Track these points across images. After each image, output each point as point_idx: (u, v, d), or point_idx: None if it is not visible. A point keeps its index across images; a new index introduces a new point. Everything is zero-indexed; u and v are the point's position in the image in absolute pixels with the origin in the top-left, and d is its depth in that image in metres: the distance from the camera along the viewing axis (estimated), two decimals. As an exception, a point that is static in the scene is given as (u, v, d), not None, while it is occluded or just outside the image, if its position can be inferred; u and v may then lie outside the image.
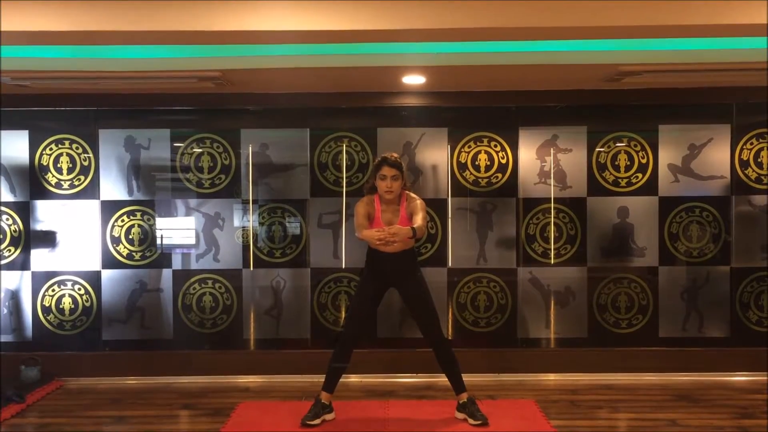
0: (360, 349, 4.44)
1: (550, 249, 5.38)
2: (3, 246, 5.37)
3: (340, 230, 5.37)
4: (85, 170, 5.36)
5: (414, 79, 4.83)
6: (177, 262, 5.41)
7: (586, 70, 4.55)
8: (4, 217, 5.37)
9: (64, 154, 5.35)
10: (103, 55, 4.14)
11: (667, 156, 5.35)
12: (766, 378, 5.19)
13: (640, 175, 5.35)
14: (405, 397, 4.87)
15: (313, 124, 5.37)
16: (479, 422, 4.21)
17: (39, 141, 5.35)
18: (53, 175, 5.35)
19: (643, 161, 5.35)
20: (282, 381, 5.25)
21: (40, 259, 5.38)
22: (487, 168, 5.37)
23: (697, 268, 5.38)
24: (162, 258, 5.40)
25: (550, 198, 5.37)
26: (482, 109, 5.36)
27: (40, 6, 3.53)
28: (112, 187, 5.37)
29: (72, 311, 5.38)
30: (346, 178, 5.36)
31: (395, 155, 4.20)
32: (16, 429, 4.34)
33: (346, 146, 5.36)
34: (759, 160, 5.33)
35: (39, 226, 5.38)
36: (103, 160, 5.35)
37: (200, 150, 5.37)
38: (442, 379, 4.46)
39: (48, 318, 5.38)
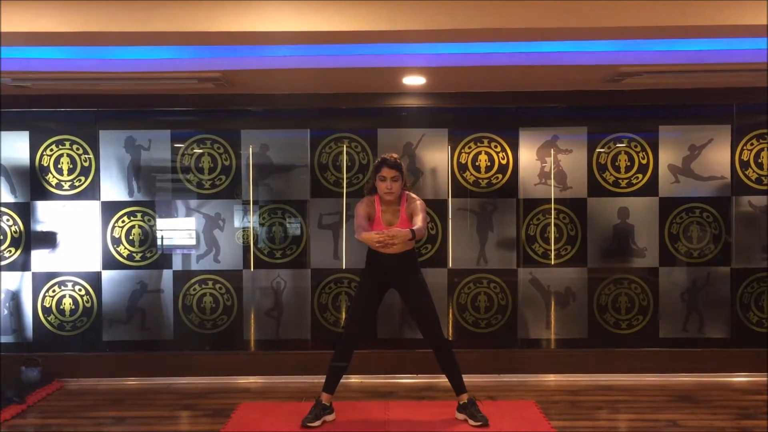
0: (360, 350, 4.44)
1: (551, 250, 5.38)
2: (3, 247, 5.38)
3: (341, 231, 5.37)
4: (85, 171, 5.36)
5: (414, 80, 4.83)
6: (177, 263, 5.41)
7: (586, 71, 4.55)
8: (5, 217, 5.37)
9: (65, 154, 5.35)
10: (103, 56, 4.15)
11: (668, 157, 5.35)
12: (766, 379, 5.18)
13: (640, 176, 5.35)
14: (405, 398, 4.87)
15: (313, 125, 5.38)
16: (479, 423, 4.21)
17: (39, 142, 5.35)
18: (54, 176, 5.36)
19: (644, 162, 5.35)
20: (282, 382, 5.25)
21: (41, 259, 5.39)
22: (488, 169, 5.37)
23: (697, 268, 5.38)
24: (162, 259, 5.40)
25: (551, 199, 5.37)
26: (482, 109, 5.36)
27: (40, 7, 3.53)
28: (113, 187, 5.37)
29: (72, 312, 5.39)
30: (347, 178, 5.36)
31: (395, 156, 4.20)
32: (16, 430, 4.34)
33: (346, 147, 5.36)
34: (759, 160, 5.33)
35: (39, 227, 5.38)
36: (103, 160, 5.35)
37: (201, 151, 5.37)
38: (443, 380, 4.46)
39: (48, 319, 5.39)
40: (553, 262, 5.39)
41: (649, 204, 5.36)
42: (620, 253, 5.41)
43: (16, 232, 5.38)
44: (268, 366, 5.32)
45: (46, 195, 5.36)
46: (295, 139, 5.38)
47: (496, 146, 5.37)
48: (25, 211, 5.37)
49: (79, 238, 5.38)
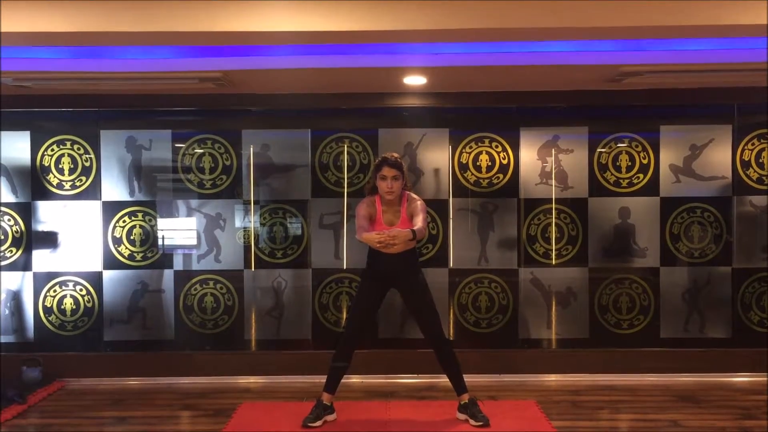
0: (361, 350, 4.44)
1: (552, 250, 5.38)
2: (5, 247, 5.38)
3: (342, 231, 5.38)
4: (86, 171, 5.36)
5: (415, 80, 4.83)
6: (178, 263, 5.41)
7: (587, 71, 4.55)
8: (6, 217, 5.38)
9: (66, 154, 5.36)
10: (104, 56, 4.15)
11: (669, 156, 5.34)
12: (767, 379, 5.18)
13: (641, 176, 5.34)
14: (406, 398, 4.87)
15: (314, 125, 5.38)
16: (480, 423, 4.21)
17: (40, 142, 5.35)
18: (55, 176, 5.36)
19: (645, 162, 5.34)
20: (283, 382, 5.25)
21: (42, 259, 5.39)
22: (489, 168, 5.36)
23: (698, 268, 5.38)
24: (163, 259, 5.40)
25: (552, 198, 5.37)
26: (483, 109, 5.36)
27: (40, 7, 3.53)
28: (114, 187, 5.37)
29: (73, 312, 5.39)
30: (348, 178, 5.36)
31: (396, 155, 4.20)
32: (17, 430, 4.35)
33: (347, 147, 5.36)
34: (760, 160, 5.32)
35: (40, 227, 5.39)
36: (104, 160, 5.36)
37: (201, 151, 5.37)
38: (444, 380, 4.46)
39: (49, 319, 5.39)
40: (554, 262, 5.39)
41: (650, 204, 5.36)
42: (621, 252, 5.40)
43: (17, 232, 5.38)
44: (269, 366, 5.32)
45: (47, 195, 5.36)
46: (296, 139, 5.38)
47: (497, 146, 5.36)
48: (26, 211, 5.37)
49: (80, 238, 5.38)
